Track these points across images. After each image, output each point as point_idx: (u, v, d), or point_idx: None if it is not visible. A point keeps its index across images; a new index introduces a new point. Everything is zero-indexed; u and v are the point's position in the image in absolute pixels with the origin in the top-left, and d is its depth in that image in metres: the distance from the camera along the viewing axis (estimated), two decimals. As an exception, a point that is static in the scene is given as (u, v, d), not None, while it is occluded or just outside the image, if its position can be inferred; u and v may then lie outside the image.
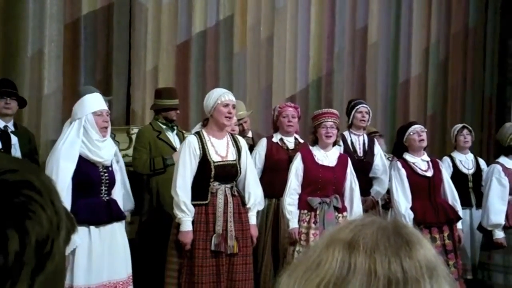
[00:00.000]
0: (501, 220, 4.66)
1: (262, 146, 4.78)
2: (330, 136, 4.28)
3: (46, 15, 5.33)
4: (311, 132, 4.43)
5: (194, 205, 3.81)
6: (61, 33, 5.43)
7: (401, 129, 4.75)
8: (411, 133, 4.58)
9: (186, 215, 3.77)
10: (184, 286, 3.82)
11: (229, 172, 3.90)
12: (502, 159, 4.85)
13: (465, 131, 5.51)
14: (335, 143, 4.39)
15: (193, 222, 3.80)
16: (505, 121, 8.28)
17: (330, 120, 4.30)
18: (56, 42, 5.41)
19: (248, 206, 3.95)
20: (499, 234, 4.66)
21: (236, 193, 3.93)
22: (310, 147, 4.37)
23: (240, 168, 3.93)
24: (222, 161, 3.88)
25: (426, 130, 4.71)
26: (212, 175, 3.83)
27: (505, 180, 4.72)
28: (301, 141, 4.85)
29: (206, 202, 3.82)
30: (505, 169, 4.77)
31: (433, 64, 8.19)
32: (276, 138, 4.84)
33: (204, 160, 3.84)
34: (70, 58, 5.53)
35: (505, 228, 4.69)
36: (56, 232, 0.73)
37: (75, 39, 5.55)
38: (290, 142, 4.83)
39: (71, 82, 5.49)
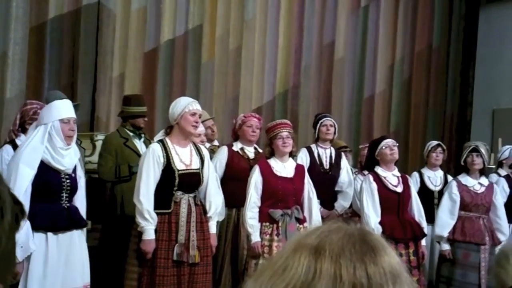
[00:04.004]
0: (445, 232, 4.83)
1: (223, 154, 4.75)
2: (287, 146, 4.29)
3: (12, 18, 5.24)
4: (267, 144, 4.43)
5: (157, 214, 3.77)
6: (26, 36, 5.34)
7: (373, 143, 4.80)
8: (383, 147, 4.64)
9: (149, 223, 3.73)
10: None
11: (192, 181, 3.88)
12: (462, 176, 5.04)
13: (438, 150, 5.65)
14: (291, 154, 4.41)
15: (155, 231, 3.76)
16: (465, 139, 8.49)
17: (285, 130, 4.32)
18: (21, 45, 5.31)
19: (209, 215, 3.93)
20: (444, 246, 4.85)
21: (199, 202, 3.91)
22: (267, 160, 4.36)
23: (202, 177, 3.92)
24: (186, 169, 3.85)
25: (397, 144, 4.78)
26: (176, 184, 3.80)
27: (456, 196, 4.90)
28: (261, 150, 4.84)
29: (169, 211, 3.78)
30: (460, 185, 4.94)
31: (397, 81, 8.34)
32: (236, 147, 4.81)
33: (168, 168, 3.80)
34: (34, 62, 5.43)
35: (453, 241, 4.83)
36: None
37: (40, 43, 5.46)
38: (250, 151, 4.82)
39: (35, 86, 5.40)
